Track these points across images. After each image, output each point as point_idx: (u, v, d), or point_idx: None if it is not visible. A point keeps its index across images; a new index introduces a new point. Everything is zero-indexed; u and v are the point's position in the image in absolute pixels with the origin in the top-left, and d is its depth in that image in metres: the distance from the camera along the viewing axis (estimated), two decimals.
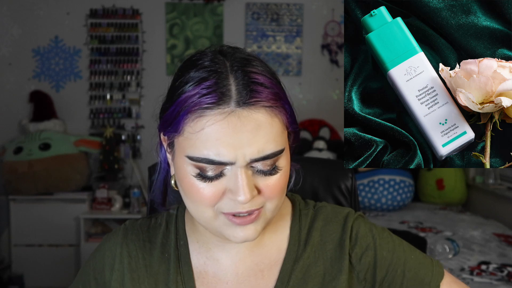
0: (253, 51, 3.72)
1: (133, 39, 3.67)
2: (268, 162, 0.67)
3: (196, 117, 0.65)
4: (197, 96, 0.65)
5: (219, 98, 0.65)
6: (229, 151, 0.64)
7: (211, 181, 0.67)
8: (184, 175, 0.69)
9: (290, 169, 0.78)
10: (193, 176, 0.67)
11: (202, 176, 0.67)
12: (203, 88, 0.65)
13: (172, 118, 0.68)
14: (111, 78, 3.68)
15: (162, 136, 0.74)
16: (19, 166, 3.25)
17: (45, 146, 3.31)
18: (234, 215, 0.68)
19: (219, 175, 0.67)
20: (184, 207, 0.84)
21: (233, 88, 0.65)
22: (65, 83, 3.70)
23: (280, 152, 0.68)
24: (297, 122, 0.75)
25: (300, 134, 0.78)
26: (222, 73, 0.67)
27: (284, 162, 0.70)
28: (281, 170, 0.69)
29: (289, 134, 0.73)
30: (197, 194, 0.68)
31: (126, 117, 3.70)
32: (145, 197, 3.45)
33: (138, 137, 3.71)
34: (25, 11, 3.63)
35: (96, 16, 3.65)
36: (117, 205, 3.41)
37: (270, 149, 0.66)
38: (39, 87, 3.65)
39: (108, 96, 3.69)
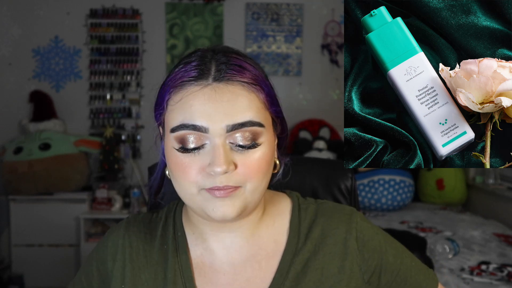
0: (253, 51, 3.72)
1: (133, 39, 3.67)
2: (247, 134, 0.70)
3: (178, 90, 0.72)
4: (181, 73, 0.72)
5: (199, 73, 0.71)
6: (203, 118, 0.69)
7: (193, 154, 0.70)
8: (169, 152, 0.73)
9: (280, 162, 0.80)
10: (176, 150, 0.71)
11: (184, 148, 0.71)
12: (187, 67, 0.72)
13: (160, 97, 0.74)
14: (111, 78, 3.68)
15: (160, 128, 0.79)
16: (19, 166, 3.25)
17: (45, 146, 3.31)
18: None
19: (199, 148, 0.70)
20: (183, 202, 0.85)
21: (213, 67, 0.72)
22: (65, 83, 3.70)
23: (259, 124, 0.71)
24: (280, 106, 0.78)
25: (286, 122, 0.81)
26: (206, 57, 0.73)
27: (264, 140, 0.72)
28: (259, 146, 0.71)
29: (274, 121, 0.76)
30: (181, 169, 0.71)
31: (126, 117, 3.70)
32: (145, 197, 3.44)
33: (138, 137, 3.71)
34: (25, 11, 3.63)
35: (96, 16, 3.65)
36: (117, 205, 3.41)
37: (247, 117, 0.70)
38: (39, 87, 3.65)
39: (108, 96, 3.69)
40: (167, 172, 0.78)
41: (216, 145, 0.69)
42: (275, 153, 0.79)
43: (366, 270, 0.79)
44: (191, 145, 0.70)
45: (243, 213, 0.74)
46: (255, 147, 0.71)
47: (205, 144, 0.70)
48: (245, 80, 0.71)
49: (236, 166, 0.70)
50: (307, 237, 0.81)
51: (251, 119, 0.70)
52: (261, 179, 0.73)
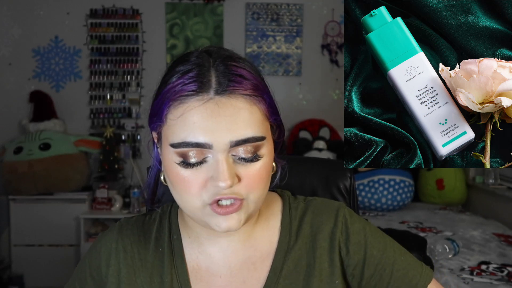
0: (253, 51, 3.72)
1: (133, 39, 3.67)
2: (249, 148, 0.70)
3: (178, 104, 0.69)
4: (180, 85, 0.69)
5: (199, 87, 0.68)
6: (206, 134, 0.67)
7: (194, 168, 0.69)
8: (169, 165, 0.71)
9: (277, 165, 0.80)
10: (177, 164, 0.70)
11: (185, 163, 0.69)
12: (186, 79, 0.69)
13: (157, 109, 0.72)
14: (111, 78, 3.68)
15: (153, 134, 0.77)
16: (19, 166, 3.25)
17: (45, 146, 3.31)
18: (218, 204, 0.70)
19: (201, 162, 0.69)
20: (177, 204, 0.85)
21: (213, 79, 0.69)
22: (65, 83, 3.70)
23: (261, 139, 0.70)
24: (279, 115, 0.77)
25: (284, 128, 0.81)
26: (205, 66, 0.70)
27: (265, 151, 0.72)
28: (261, 158, 0.71)
29: (272, 127, 0.76)
30: (182, 183, 0.70)
31: (126, 117, 3.70)
32: (145, 197, 3.44)
33: (138, 137, 3.71)
34: (25, 11, 3.63)
35: (96, 16, 3.65)
36: (117, 205, 3.41)
37: (250, 133, 0.69)
38: (39, 87, 3.65)
39: (108, 96, 3.69)
40: (162, 177, 0.77)
41: (220, 160, 0.68)
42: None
43: (349, 264, 0.79)
44: (193, 160, 0.69)
45: (246, 222, 0.74)
46: (258, 159, 0.71)
47: (207, 157, 0.69)
48: (247, 92, 0.69)
49: (239, 178, 0.70)
50: (298, 235, 0.81)
51: (254, 134, 0.69)
52: (263, 188, 0.73)
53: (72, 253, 3.36)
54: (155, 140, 0.77)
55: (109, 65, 3.66)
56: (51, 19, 3.65)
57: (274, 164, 0.79)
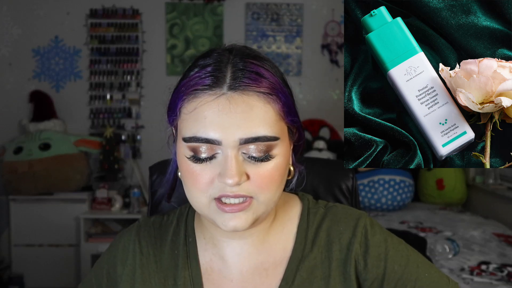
0: None
1: (133, 39, 3.67)
2: (261, 147, 0.68)
3: (191, 98, 0.69)
4: (196, 79, 0.69)
5: (213, 82, 0.68)
6: (216, 130, 0.66)
7: (204, 164, 0.69)
8: (181, 159, 0.71)
9: (294, 170, 0.78)
10: (188, 158, 0.70)
11: (196, 158, 0.69)
12: (202, 73, 0.69)
13: (172, 102, 0.72)
14: (111, 78, 3.68)
15: (172, 129, 0.77)
16: (19, 166, 3.25)
17: (45, 146, 3.31)
18: (223, 202, 0.69)
19: (211, 158, 0.69)
20: None
21: (228, 74, 0.68)
22: (65, 83, 3.70)
23: (274, 139, 0.69)
24: (297, 115, 0.76)
25: (303, 131, 0.79)
26: (223, 62, 0.70)
27: (278, 152, 0.70)
28: (273, 159, 0.69)
29: (290, 130, 0.74)
30: (192, 177, 0.70)
31: (126, 117, 3.70)
32: (145, 197, 3.44)
33: (138, 137, 3.71)
34: (25, 11, 3.63)
35: (96, 16, 3.65)
36: (117, 205, 3.40)
37: (261, 132, 0.67)
38: (39, 87, 3.65)
39: (108, 96, 3.69)
40: (179, 174, 0.76)
41: (229, 157, 0.67)
42: (290, 159, 0.77)
43: (367, 278, 0.76)
44: (203, 155, 0.68)
45: (255, 223, 0.73)
46: (269, 159, 0.69)
47: (217, 153, 0.68)
48: (261, 90, 0.68)
49: (248, 177, 0.68)
50: (314, 243, 0.79)
51: (265, 134, 0.67)
52: (274, 190, 0.71)
53: (72, 253, 3.36)
54: (174, 135, 0.77)
55: (109, 65, 3.67)
56: (51, 19, 3.65)
57: (291, 168, 0.77)
